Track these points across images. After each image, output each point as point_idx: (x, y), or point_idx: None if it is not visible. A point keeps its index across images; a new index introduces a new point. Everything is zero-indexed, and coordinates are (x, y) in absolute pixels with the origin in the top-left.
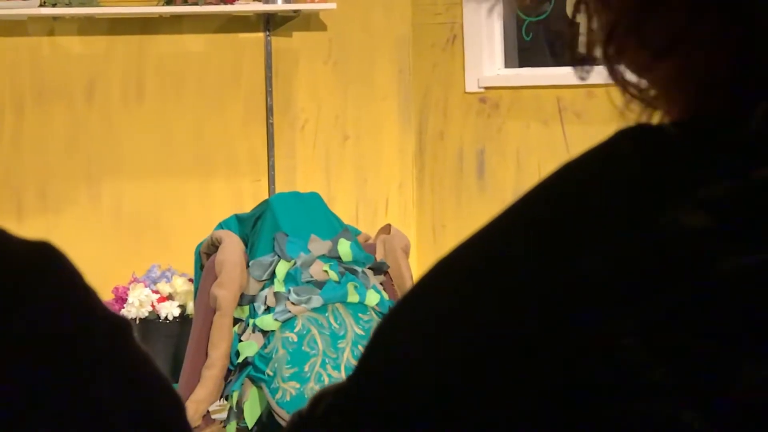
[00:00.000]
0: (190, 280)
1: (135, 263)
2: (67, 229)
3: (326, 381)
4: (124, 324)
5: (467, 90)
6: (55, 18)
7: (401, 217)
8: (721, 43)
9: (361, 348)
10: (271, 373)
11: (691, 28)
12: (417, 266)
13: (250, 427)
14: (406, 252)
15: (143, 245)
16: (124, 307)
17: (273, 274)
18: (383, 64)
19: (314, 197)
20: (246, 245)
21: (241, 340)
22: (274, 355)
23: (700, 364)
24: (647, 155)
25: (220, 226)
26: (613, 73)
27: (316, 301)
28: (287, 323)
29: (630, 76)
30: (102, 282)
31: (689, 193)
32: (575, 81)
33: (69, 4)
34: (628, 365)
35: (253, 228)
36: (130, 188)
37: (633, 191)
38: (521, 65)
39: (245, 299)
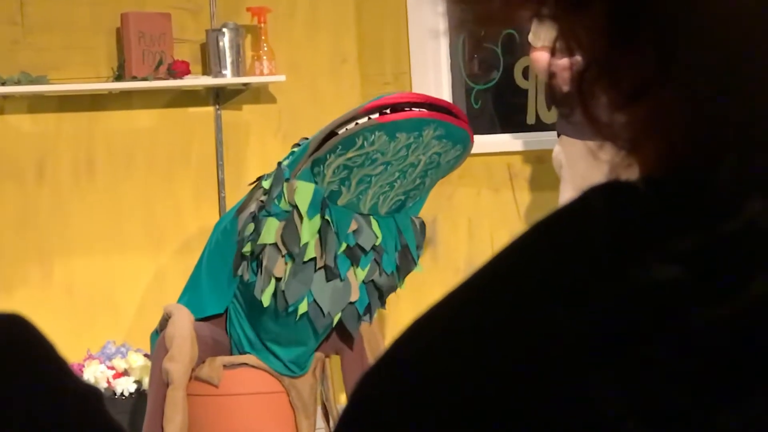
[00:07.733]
0: (146, 355)
1: (89, 340)
2: (20, 307)
3: None
4: (94, 396)
5: None
6: (5, 97)
7: None
8: (692, 89)
9: None
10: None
11: (661, 73)
12: None
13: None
14: None
15: (97, 322)
16: None
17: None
18: None
19: None
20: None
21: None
22: None
23: (675, 415)
24: (617, 210)
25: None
26: (587, 112)
27: None
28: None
29: (603, 117)
30: None
31: (659, 247)
32: (525, 147)
33: (18, 83)
34: (604, 417)
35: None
36: (81, 265)
37: (603, 246)
38: None
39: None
